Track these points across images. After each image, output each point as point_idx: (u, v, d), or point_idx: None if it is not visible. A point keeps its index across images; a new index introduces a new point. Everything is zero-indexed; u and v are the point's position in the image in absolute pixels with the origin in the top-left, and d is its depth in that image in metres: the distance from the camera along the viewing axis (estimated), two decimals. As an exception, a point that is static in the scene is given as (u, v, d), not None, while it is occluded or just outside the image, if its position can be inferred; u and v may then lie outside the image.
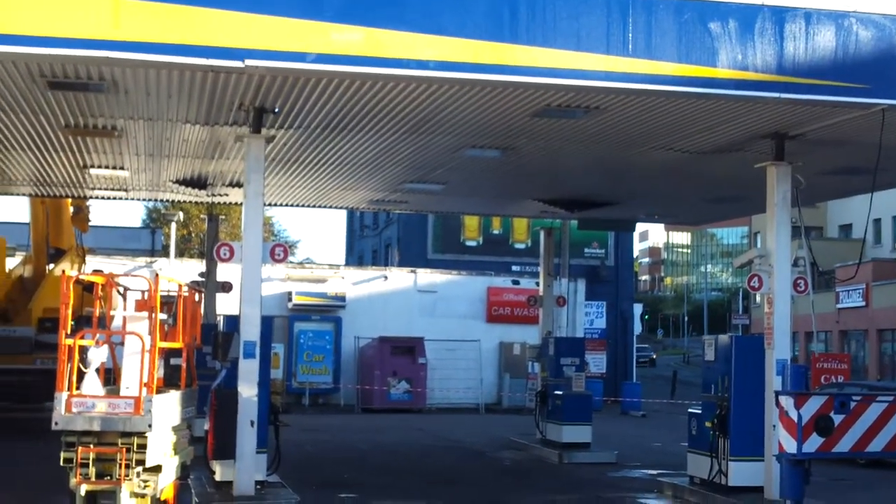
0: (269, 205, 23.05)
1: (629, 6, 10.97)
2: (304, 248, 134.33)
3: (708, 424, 15.03)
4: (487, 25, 10.68)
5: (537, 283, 25.27)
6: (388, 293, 34.32)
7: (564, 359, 21.22)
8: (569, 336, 28.14)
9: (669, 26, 11.09)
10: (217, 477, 14.16)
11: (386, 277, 34.86)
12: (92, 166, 17.54)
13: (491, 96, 11.81)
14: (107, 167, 17.62)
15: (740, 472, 14.58)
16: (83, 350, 11.21)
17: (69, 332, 11.12)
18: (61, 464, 10.43)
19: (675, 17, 11.12)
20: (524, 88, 11.38)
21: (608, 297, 40.37)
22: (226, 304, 22.98)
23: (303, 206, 22.25)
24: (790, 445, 11.46)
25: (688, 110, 12.32)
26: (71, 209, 25.01)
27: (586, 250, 41.67)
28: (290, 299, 32.82)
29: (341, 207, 23.32)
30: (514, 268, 39.59)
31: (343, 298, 33.50)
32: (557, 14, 10.82)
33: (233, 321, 14.68)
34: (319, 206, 22.42)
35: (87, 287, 17.31)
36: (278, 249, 13.96)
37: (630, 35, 10.91)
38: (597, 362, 36.21)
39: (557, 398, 20.81)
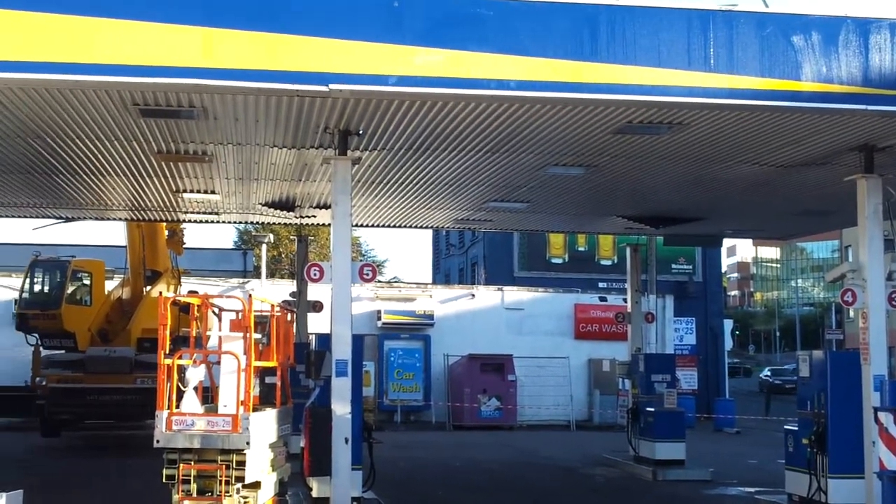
0: (357, 225, 23.31)
1: (710, 21, 10.95)
2: (391, 268, 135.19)
3: (805, 441, 14.79)
4: (568, 44, 10.75)
5: (625, 300, 25.15)
6: (475, 311, 34.42)
7: (655, 375, 21.07)
8: (659, 352, 27.88)
9: (751, 40, 11.03)
10: (314, 493, 14.37)
11: (473, 295, 34.97)
12: (184, 190, 17.98)
13: (572, 115, 11.87)
14: (199, 191, 18.04)
15: (840, 490, 14.30)
16: (181, 369, 11.52)
17: (168, 351, 11.46)
18: (164, 480, 10.73)
19: (757, 30, 11.05)
20: (605, 106, 11.42)
21: (697, 313, 39.85)
22: (317, 324, 23.36)
23: (389, 226, 22.47)
24: (891, 462, 11.23)
25: (772, 124, 12.21)
26: (166, 232, 25.62)
27: (673, 266, 41.24)
28: (379, 318, 33.13)
29: (427, 227, 23.49)
30: (600, 284, 39.37)
31: (431, 317, 33.71)
32: (637, 31, 10.86)
33: (324, 340, 14.90)
34: (405, 226, 22.63)
35: (184, 308, 17.83)
36: (367, 269, 14.12)
37: (712, 50, 10.89)
38: (688, 379, 35.75)
39: (649, 415, 20.65)
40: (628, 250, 23.71)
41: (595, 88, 10.86)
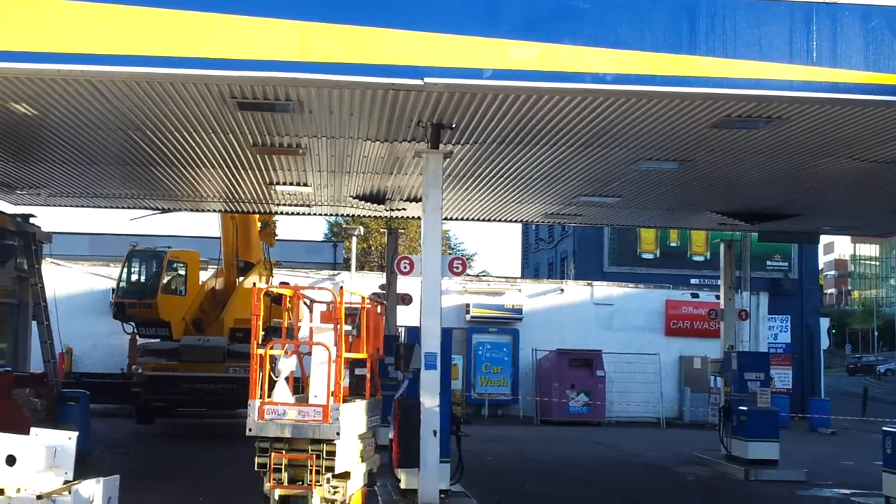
0: (447, 219, 23.37)
1: (813, 13, 10.68)
2: (480, 262, 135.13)
3: (904, 442, 14.40)
4: (666, 37, 10.59)
5: (717, 297, 24.78)
6: (564, 306, 34.24)
7: (748, 373, 20.71)
8: (752, 350, 27.40)
9: (855, 33, 10.73)
10: (402, 485, 14.44)
11: (562, 290, 34.78)
12: (278, 183, 18.21)
13: (669, 108, 11.70)
14: (291, 184, 18.25)
15: (940, 493, 13.94)
16: (273, 359, 11.64)
17: (260, 342, 11.59)
18: (255, 468, 10.86)
19: (862, 23, 10.75)
20: (703, 100, 11.23)
21: (792, 310, 39.07)
22: (406, 316, 23.47)
23: (479, 220, 22.46)
24: None
25: (874, 119, 11.87)
26: (258, 224, 25.97)
27: (769, 263, 40.51)
28: (467, 311, 33.15)
29: (516, 221, 23.43)
30: (692, 280, 38.85)
31: (520, 311, 33.62)
32: (738, 24, 10.65)
33: (414, 333, 14.96)
34: (495, 220, 22.60)
35: (276, 299, 18.04)
36: (456, 262, 14.20)
37: (814, 43, 10.62)
38: (782, 378, 35.12)
39: (742, 413, 20.31)
40: (722, 246, 23.34)
41: (693, 82, 10.68)
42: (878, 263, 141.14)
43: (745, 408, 20.28)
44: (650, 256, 41.39)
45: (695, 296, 34.90)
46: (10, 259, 19.03)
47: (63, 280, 28.99)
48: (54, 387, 18.00)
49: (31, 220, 19.20)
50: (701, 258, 40.87)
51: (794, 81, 10.70)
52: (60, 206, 21.81)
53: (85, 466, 9.44)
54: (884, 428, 15.76)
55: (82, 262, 31.79)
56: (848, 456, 24.09)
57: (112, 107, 12.30)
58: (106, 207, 22.17)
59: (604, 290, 34.93)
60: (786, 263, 41.34)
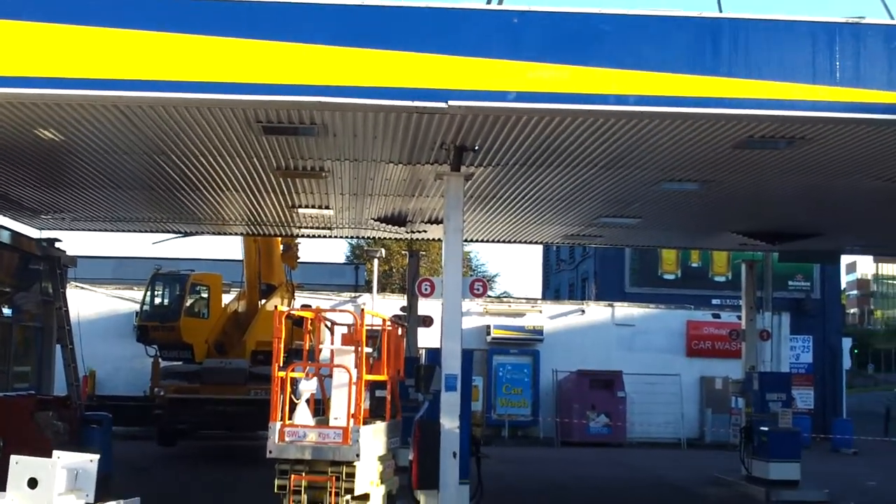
0: (468, 241, 23.39)
1: (836, 34, 10.67)
2: (501, 283, 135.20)
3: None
4: (689, 58, 10.59)
5: (739, 317, 24.70)
6: (585, 327, 34.17)
7: (770, 394, 20.65)
8: (774, 371, 27.28)
9: (879, 53, 10.71)
10: (422, 507, 14.41)
11: (583, 311, 34.73)
12: (300, 206, 18.27)
13: (691, 129, 11.70)
14: (314, 207, 18.31)
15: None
16: (294, 382, 11.69)
17: (281, 364, 11.64)
18: (275, 490, 10.89)
19: (885, 43, 10.73)
20: (727, 120, 11.22)
21: (815, 330, 38.87)
22: (427, 338, 23.48)
23: (500, 241, 22.48)
24: None
25: (897, 138, 11.86)
26: (281, 247, 26.07)
27: (790, 283, 40.33)
28: (488, 333, 33.12)
29: (537, 242, 23.43)
30: (713, 301, 38.70)
31: (541, 332, 33.58)
32: (760, 44, 10.64)
33: (434, 354, 14.96)
34: (516, 242, 22.61)
35: (297, 321, 18.10)
36: (477, 284, 14.20)
37: (837, 63, 10.60)
38: (804, 398, 34.90)
39: (763, 434, 20.23)
40: (743, 266, 23.28)
41: (716, 103, 10.67)
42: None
43: (766, 428, 20.20)
44: (671, 277, 41.29)
45: (716, 316, 34.78)
46: (35, 283, 19.18)
47: (87, 303, 29.17)
48: (77, 410, 18.07)
49: (57, 245, 19.34)
50: (722, 279, 40.73)
51: (817, 102, 10.67)
52: (85, 230, 21.94)
53: (107, 489, 9.46)
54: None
55: (106, 286, 31.97)
56: (870, 476, 23.92)
57: (138, 131, 12.39)
58: (130, 231, 22.29)
59: (625, 310, 34.84)
60: (808, 283, 41.17)
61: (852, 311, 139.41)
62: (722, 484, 21.38)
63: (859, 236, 20.67)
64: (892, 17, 12.14)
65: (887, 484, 20.92)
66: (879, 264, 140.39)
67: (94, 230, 21.96)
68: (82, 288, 29.85)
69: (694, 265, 41.18)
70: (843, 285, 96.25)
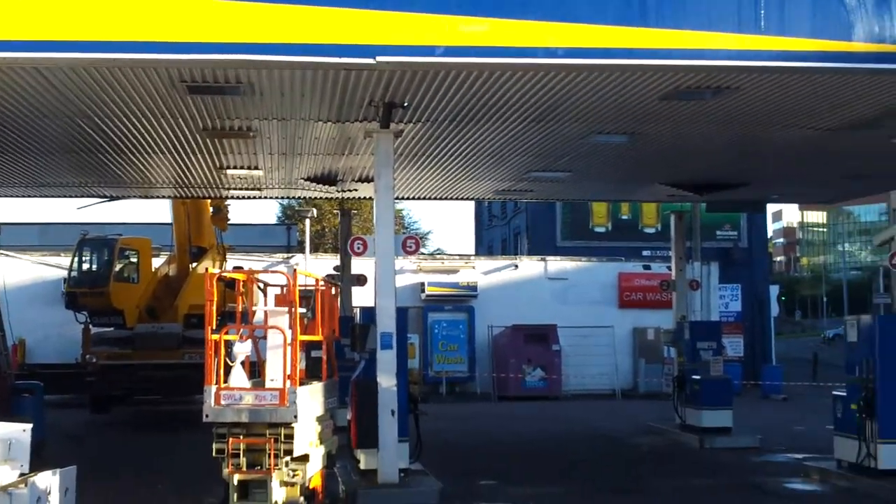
0: (399, 198, 23.33)
1: (760, -19, 10.76)
2: (434, 240, 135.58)
3: (854, 407, 14.68)
4: (617, 9, 10.59)
5: (669, 268, 25.01)
6: (518, 281, 34.38)
7: (701, 343, 20.98)
8: (704, 320, 27.77)
9: (803, 1, 10.84)
10: (361, 465, 14.47)
11: (516, 266, 34.92)
12: (228, 167, 18.06)
13: (620, 81, 11.74)
14: (242, 167, 18.12)
15: (891, 455, 14.22)
16: (228, 344, 11.58)
17: (215, 327, 11.52)
18: (213, 454, 10.81)
19: (809, -10, 10.86)
20: (654, 72, 11.27)
21: (743, 279, 39.54)
22: (361, 297, 23.46)
23: (432, 198, 22.46)
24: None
25: (822, 87, 12.00)
26: (211, 209, 25.78)
27: (718, 233, 40.92)
28: (422, 290, 33.19)
29: (469, 198, 23.46)
30: (644, 252, 39.15)
31: (475, 288, 33.73)
32: (688, -6, 10.70)
33: (369, 313, 14.95)
34: (448, 198, 22.61)
35: (230, 284, 17.93)
36: (410, 242, 14.21)
37: (762, 12, 10.67)
38: (734, 346, 35.53)
39: (696, 383, 20.56)
40: (672, 217, 23.55)
41: (643, 54, 10.70)
42: (825, 230, 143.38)
43: (698, 377, 20.52)
44: (602, 230, 41.66)
45: (647, 267, 35.19)
46: (-43, 252, 18.76)
47: (13, 271, 28.66)
48: (7, 379, 17.78)
49: (-22, 212, 18.91)
50: (652, 230, 41.22)
51: (743, 51, 10.75)
52: (8, 196, 21.53)
53: (41, 458, 9.33)
54: (833, 392, 16.05)
55: (32, 253, 31.40)
56: (800, 421, 24.48)
57: (59, 94, 12.11)
58: (55, 196, 21.92)
59: (557, 264, 35.10)
60: (735, 233, 41.82)
61: (779, 258, 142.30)
62: (656, 432, 21.73)
63: (785, 185, 21.01)
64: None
65: (815, 429, 21.42)
66: (805, 212, 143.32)
67: (18, 196, 21.52)
68: (8, 255, 29.27)
69: (624, 217, 41.59)
70: (770, 234, 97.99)
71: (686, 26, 10.65)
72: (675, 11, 10.64)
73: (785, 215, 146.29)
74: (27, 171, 17.86)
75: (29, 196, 21.50)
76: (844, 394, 15.33)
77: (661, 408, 24.53)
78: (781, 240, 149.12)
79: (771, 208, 35.16)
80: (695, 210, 24.44)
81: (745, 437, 19.89)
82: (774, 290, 43.50)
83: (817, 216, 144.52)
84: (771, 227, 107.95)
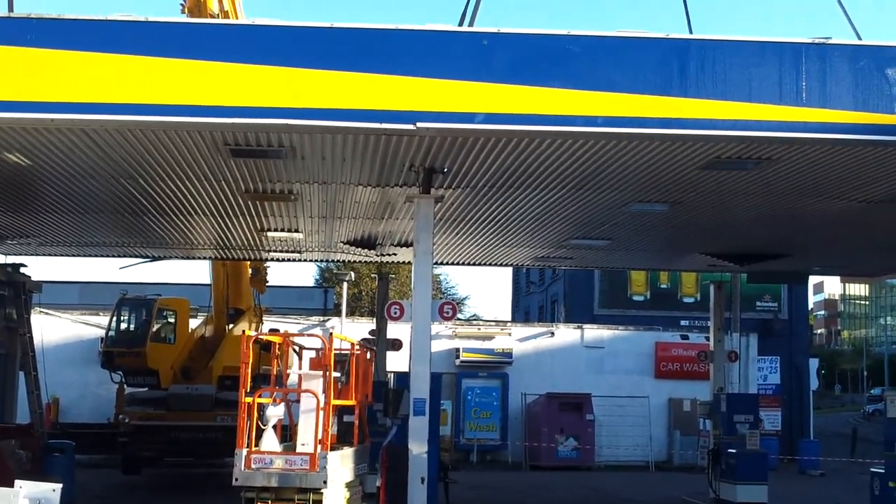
0: (437, 263, 23.34)
1: (802, 55, 10.76)
2: (471, 305, 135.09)
3: (892, 484, 14.38)
4: (656, 79, 10.64)
5: (707, 338, 24.74)
6: (554, 349, 34.13)
7: (738, 416, 20.68)
8: (741, 392, 27.38)
9: (844, 74, 10.82)
10: (391, 533, 14.28)
11: (552, 333, 34.70)
12: (269, 229, 18.17)
13: (659, 150, 11.74)
14: (283, 230, 18.22)
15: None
16: (261, 407, 11.56)
17: (248, 390, 11.51)
18: (242, 519, 10.74)
19: (850, 64, 10.84)
20: (694, 141, 11.27)
21: (782, 351, 39.05)
22: (396, 362, 23.37)
23: (470, 264, 22.45)
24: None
25: (864, 159, 11.93)
26: (249, 271, 25.88)
27: (758, 304, 40.54)
28: (457, 356, 33.01)
29: (507, 265, 23.42)
30: (682, 322, 38.80)
31: (510, 355, 33.51)
32: (728, 66, 10.71)
33: (403, 378, 14.89)
34: (486, 264, 22.58)
35: (265, 346, 17.96)
36: (447, 307, 14.17)
37: (804, 84, 10.69)
38: (771, 419, 35.01)
39: (731, 456, 20.23)
40: (712, 288, 23.35)
41: (684, 124, 10.72)
42: (867, 303, 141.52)
43: (733, 450, 20.20)
44: (640, 299, 41.37)
45: (684, 337, 34.84)
46: (-1, 309, 18.92)
47: (52, 329, 28.80)
48: (40, 438, 17.81)
49: (22, 270, 19.09)
50: (691, 300, 40.87)
51: (785, 122, 10.74)
52: (51, 255, 21.72)
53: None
54: (871, 469, 15.73)
55: (71, 311, 31.62)
56: (837, 498, 23.95)
57: (105, 155, 12.28)
58: (96, 256, 22.09)
59: (594, 332, 34.84)
60: (775, 304, 41.38)
61: (819, 331, 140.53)
62: (691, 506, 21.36)
63: (826, 257, 20.80)
64: (858, 36, 12.26)
65: (854, 505, 20.96)
66: (846, 284, 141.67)
67: (61, 255, 21.72)
68: (47, 313, 29.47)
69: (663, 286, 41.30)
70: (811, 306, 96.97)
71: (726, 97, 10.67)
72: (715, 82, 10.67)
73: (827, 287, 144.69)
74: (71, 230, 18.06)
75: (71, 255, 21.71)
76: (882, 471, 15.02)
77: (696, 481, 24.12)
78: (822, 312, 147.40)
79: (812, 280, 34.89)
80: (735, 280, 24.24)
81: (781, 512, 19.51)
82: (814, 364, 42.86)
83: (860, 289, 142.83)
84: (812, 299, 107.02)
